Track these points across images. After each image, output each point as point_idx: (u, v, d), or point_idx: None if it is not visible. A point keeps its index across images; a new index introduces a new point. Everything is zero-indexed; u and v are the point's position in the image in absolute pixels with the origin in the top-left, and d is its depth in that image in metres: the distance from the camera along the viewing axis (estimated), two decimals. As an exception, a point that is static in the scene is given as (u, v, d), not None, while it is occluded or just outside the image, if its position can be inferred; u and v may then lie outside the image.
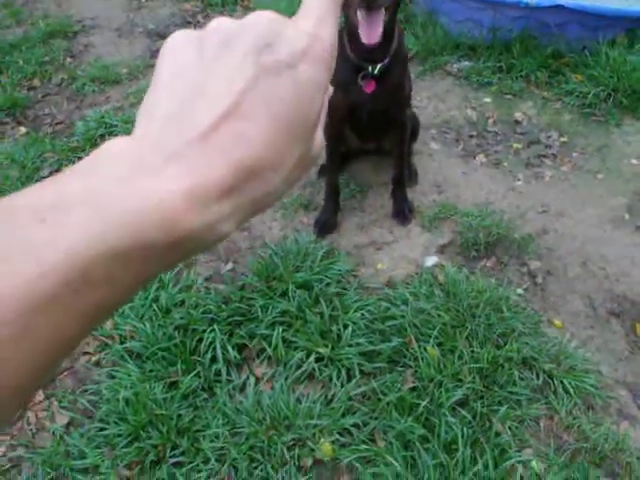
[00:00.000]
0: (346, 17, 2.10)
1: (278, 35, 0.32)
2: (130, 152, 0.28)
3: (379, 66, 2.17)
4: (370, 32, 1.98)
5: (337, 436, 1.87)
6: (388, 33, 2.08)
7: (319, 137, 0.35)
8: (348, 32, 2.14)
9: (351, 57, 2.16)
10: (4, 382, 0.23)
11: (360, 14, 1.97)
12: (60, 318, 0.24)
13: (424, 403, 1.87)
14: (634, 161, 2.90)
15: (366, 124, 2.37)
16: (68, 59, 4.09)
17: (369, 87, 2.20)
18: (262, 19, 0.33)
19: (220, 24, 0.33)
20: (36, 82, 3.86)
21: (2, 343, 0.22)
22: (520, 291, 2.30)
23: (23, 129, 3.47)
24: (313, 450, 1.84)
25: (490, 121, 3.21)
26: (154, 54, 4.08)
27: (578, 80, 3.32)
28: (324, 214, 2.57)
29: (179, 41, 0.33)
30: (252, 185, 0.30)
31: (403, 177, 2.59)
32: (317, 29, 0.34)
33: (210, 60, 0.31)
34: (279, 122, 0.30)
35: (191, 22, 4.42)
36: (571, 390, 1.95)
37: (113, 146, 0.29)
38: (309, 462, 1.83)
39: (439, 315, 2.12)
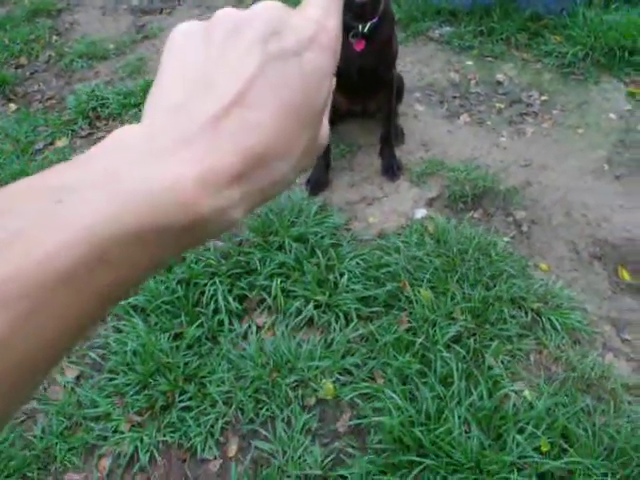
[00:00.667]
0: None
1: (284, 23, 0.32)
2: (142, 138, 0.29)
3: (369, 24, 2.24)
4: None
5: (338, 376, 1.96)
6: None
7: (325, 125, 0.36)
8: None
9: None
10: (17, 358, 0.23)
11: None
12: (75, 296, 0.24)
13: (420, 340, 1.96)
14: (612, 116, 3.00)
15: (355, 83, 2.43)
16: (54, 37, 4.11)
17: (359, 45, 2.27)
18: (268, 8, 0.33)
19: (226, 14, 0.33)
20: (23, 60, 3.89)
21: (19, 317, 0.22)
22: (507, 239, 2.39)
23: (13, 106, 3.51)
24: (316, 390, 1.93)
25: (472, 83, 3.29)
26: (140, 30, 4.11)
27: (557, 41, 3.41)
28: (316, 173, 2.63)
29: (185, 32, 0.34)
30: (261, 173, 0.30)
31: (391, 135, 2.67)
32: (323, 17, 0.34)
33: (217, 49, 0.32)
34: (287, 109, 0.30)
35: (175, -3, 4.45)
36: (558, 326, 2.04)
37: (125, 133, 0.29)
38: (312, 401, 1.92)
39: (430, 261, 2.20)
